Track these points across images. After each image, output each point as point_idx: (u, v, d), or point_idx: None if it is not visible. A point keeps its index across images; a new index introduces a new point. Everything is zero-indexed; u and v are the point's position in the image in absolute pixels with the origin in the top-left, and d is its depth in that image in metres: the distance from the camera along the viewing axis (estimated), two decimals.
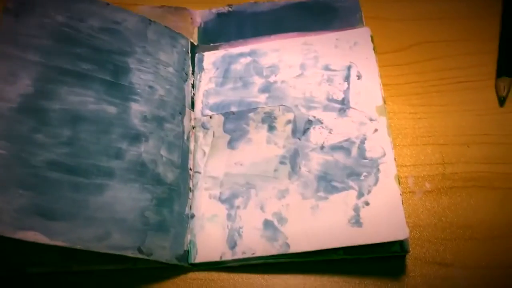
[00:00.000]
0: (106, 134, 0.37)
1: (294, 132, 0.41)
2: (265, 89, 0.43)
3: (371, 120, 0.40)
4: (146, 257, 0.35)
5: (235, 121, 0.42)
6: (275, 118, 0.42)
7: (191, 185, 0.40)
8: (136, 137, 0.39)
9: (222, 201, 0.39)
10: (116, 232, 0.35)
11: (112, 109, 0.39)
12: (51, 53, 0.37)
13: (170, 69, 0.44)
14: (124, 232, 0.35)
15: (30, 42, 0.37)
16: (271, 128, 0.41)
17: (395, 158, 0.38)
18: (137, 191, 0.37)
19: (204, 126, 0.43)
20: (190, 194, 0.40)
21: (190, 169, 0.41)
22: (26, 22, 0.37)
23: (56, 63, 0.37)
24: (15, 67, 0.35)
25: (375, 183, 0.38)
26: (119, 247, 0.35)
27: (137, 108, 0.40)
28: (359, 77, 0.42)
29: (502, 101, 0.44)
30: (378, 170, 0.38)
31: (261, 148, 0.41)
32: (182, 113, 0.43)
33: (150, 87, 0.42)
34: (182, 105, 0.43)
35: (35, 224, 0.32)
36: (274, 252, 0.36)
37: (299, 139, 0.41)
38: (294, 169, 0.39)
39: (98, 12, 0.41)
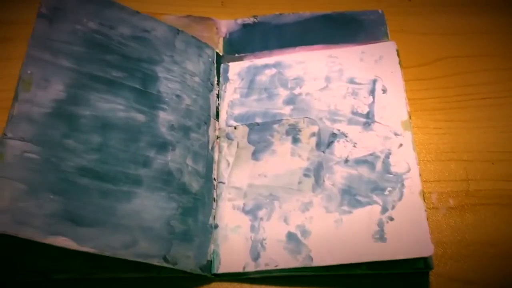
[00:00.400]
0: (134, 142, 0.38)
1: (318, 145, 0.41)
2: (290, 101, 0.44)
3: (396, 134, 0.40)
4: (171, 266, 0.36)
5: (260, 132, 0.42)
6: (300, 131, 0.42)
7: (215, 195, 0.41)
8: (163, 146, 0.39)
9: (245, 212, 0.39)
10: (142, 240, 0.35)
11: (140, 117, 0.39)
12: (82, 59, 0.38)
13: (196, 79, 0.44)
14: (150, 240, 0.35)
15: (62, 47, 0.37)
16: (296, 140, 0.42)
17: (420, 174, 0.38)
18: (164, 200, 0.37)
19: (228, 137, 0.43)
20: (214, 204, 0.40)
21: (214, 179, 0.41)
22: (59, 28, 0.38)
23: (87, 70, 0.38)
24: (48, 72, 0.36)
25: (400, 198, 0.38)
26: (146, 255, 0.35)
27: (164, 116, 0.40)
28: (384, 91, 0.43)
29: None
30: (403, 185, 0.38)
31: (285, 160, 0.41)
32: (207, 123, 0.43)
33: (177, 96, 0.42)
34: (208, 115, 0.44)
35: (64, 230, 0.32)
36: (297, 264, 0.37)
37: (323, 152, 0.41)
38: (318, 182, 0.39)
39: (128, 19, 0.42)
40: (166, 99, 0.41)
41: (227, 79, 0.46)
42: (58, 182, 0.33)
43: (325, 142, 0.41)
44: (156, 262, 0.35)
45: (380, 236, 0.36)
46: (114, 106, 0.38)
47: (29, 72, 0.35)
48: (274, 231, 0.38)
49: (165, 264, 0.36)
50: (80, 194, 0.34)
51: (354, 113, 0.42)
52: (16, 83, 0.34)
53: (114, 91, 0.39)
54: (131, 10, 0.42)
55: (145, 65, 0.41)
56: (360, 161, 0.40)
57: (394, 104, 0.42)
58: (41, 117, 0.34)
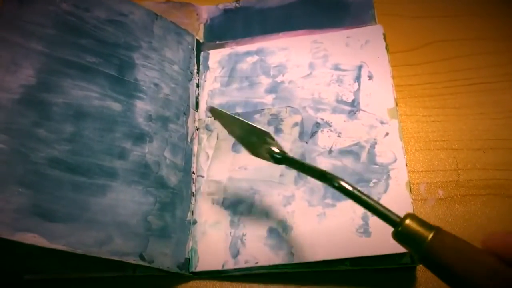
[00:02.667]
0: (110, 132, 0.36)
1: (301, 135, 0.39)
2: (272, 89, 0.42)
3: (382, 123, 0.39)
4: (147, 264, 0.34)
5: None
6: (282, 120, 0.40)
7: (193, 190, 0.39)
8: (140, 137, 0.37)
9: (225, 207, 0.38)
10: (117, 237, 0.33)
11: (116, 106, 0.37)
12: (55, 43, 0.35)
13: (175, 67, 0.42)
14: (126, 237, 0.34)
15: (33, 30, 0.35)
16: (278, 130, 0.40)
17: (406, 164, 0.37)
18: (140, 194, 0.36)
19: (208, 128, 0.41)
20: (193, 199, 0.39)
21: (193, 173, 0.40)
22: (30, 8, 0.35)
23: (60, 54, 0.35)
24: (17, 55, 0.33)
25: (385, 190, 0.36)
26: (121, 252, 0.33)
27: (142, 106, 0.39)
28: (370, 77, 0.41)
29: None
30: (389, 176, 0.36)
31: None
32: (186, 113, 0.41)
33: (156, 84, 0.40)
34: (187, 105, 0.42)
35: (34, 226, 0.30)
36: (278, 261, 0.35)
37: (306, 142, 0.39)
38: (300, 174, 0.38)
39: (104, 2, 0.40)
40: (144, 87, 0.39)
41: (207, 68, 0.44)
42: (27, 174, 0.31)
43: (308, 132, 0.39)
44: (132, 260, 0.34)
45: (365, 230, 0.35)
46: (88, 94, 0.36)
47: None
48: (254, 226, 0.37)
49: (141, 262, 0.34)
50: (51, 187, 0.32)
51: (339, 101, 0.40)
52: None
53: (89, 78, 0.36)
54: None
55: (121, 51, 0.39)
56: (344, 152, 0.38)
57: (380, 91, 0.40)
58: (9, 104, 0.32)
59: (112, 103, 0.37)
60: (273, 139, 0.33)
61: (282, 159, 0.32)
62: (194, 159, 0.40)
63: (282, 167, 0.38)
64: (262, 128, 0.33)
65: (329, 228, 0.35)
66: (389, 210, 0.26)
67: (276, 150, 0.32)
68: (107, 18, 0.39)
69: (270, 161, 0.33)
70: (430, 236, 0.24)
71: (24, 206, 0.30)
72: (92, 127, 0.35)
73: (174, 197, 0.37)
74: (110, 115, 0.36)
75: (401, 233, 0.25)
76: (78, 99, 0.35)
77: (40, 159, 0.32)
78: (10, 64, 0.33)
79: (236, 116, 0.35)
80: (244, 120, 0.34)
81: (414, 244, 0.25)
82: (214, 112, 0.36)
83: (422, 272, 0.36)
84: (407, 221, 0.25)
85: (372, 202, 0.27)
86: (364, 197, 0.27)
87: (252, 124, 0.33)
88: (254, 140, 0.33)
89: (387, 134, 0.38)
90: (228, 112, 0.35)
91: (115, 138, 0.36)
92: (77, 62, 0.36)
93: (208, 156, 0.40)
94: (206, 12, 0.48)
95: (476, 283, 0.23)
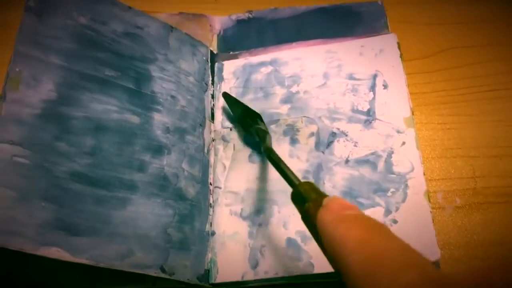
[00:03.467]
0: (129, 145, 0.36)
1: (317, 145, 0.39)
2: (287, 99, 0.42)
3: (398, 132, 0.39)
4: (168, 277, 0.34)
5: None
6: (298, 130, 0.40)
7: (211, 201, 0.39)
8: (158, 149, 0.38)
9: (243, 217, 0.38)
10: (138, 250, 0.34)
11: (135, 119, 0.37)
12: (73, 57, 0.36)
13: (191, 79, 0.43)
14: (146, 249, 0.34)
15: (52, 44, 0.35)
16: (294, 141, 0.40)
17: (424, 173, 0.37)
18: (160, 207, 0.36)
19: (224, 139, 0.42)
20: (211, 210, 0.39)
21: (210, 184, 0.40)
22: (48, 23, 0.35)
23: (79, 68, 0.36)
24: (37, 70, 0.34)
25: (403, 200, 0.36)
26: (142, 265, 0.33)
27: (159, 118, 0.39)
28: (385, 86, 0.41)
29: None
30: (407, 186, 0.36)
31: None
32: (202, 125, 0.42)
33: (172, 97, 0.40)
34: (203, 116, 0.42)
35: (58, 240, 0.30)
36: (298, 272, 0.35)
37: (323, 152, 0.39)
38: (318, 184, 0.38)
39: (120, 15, 0.40)
40: (161, 99, 0.40)
41: (221, 79, 0.45)
42: (50, 189, 0.31)
43: (324, 142, 0.39)
44: (153, 272, 0.34)
45: None
46: (107, 107, 0.36)
47: (17, 69, 0.33)
48: (273, 237, 0.37)
49: (162, 275, 0.34)
50: (73, 201, 0.32)
51: (354, 110, 0.40)
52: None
53: (107, 91, 0.37)
54: (123, 5, 0.40)
55: (138, 63, 0.40)
56: (361, 161, 0.38)
57: (396, 100, 0.40)
58: (30, 119, 0.32)
59: (131, 116, 0.37)
60: (262, 121, 0.40)
61: (260, 139, 0.37)
62: (211, 170, 0.41)
63: (299, 176, 0.38)
64: (255, 110, 0.40)
65: None
66: (293, 174, 0.30)
67: (262, 128, 0.39)
68: (124, 31, 0.40)
69: (256, 139, 0.38)
70: (312, 201, 0.26)
71: (47, 220, 0.30)
72: (112, 141, 0.35)
73: (192, 209, 0.38)
74: (129, 128, 0.37)
75: (295, 193, 0.28)
76: (97, 113, 0.36)
77: (62, 173, 0.32)
78: (31, 79, 0.33)
79: (239, 100, 0.41)
80: (243, 103, 0.41)
81: (300, 204, 0.27)
82: (226, 96, 0.42)
83: None
84: (303, 185, 0.28)
85: (283, 167, 0.31)
86: (280, 164, 0.32)
87: (247, 105, 0.40)
88: (248, 120, 0.40)
89: (403, 143, 0.38)
90: (235, 97, 0.42)
91: (134, 151, 0.36)
92: (96, 75, 0.37)
93: (225, 167, 0.40)
94: (219, 23, 0.48)
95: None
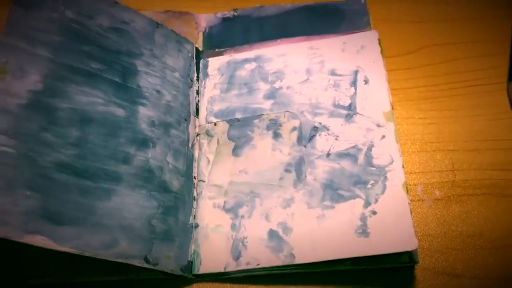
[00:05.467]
0: (114, 137, 0.37)
1: (299, 139, 0.40)
2: (270, 95, 0.43)
3: (378, 126, 0.39)
4: (152, 267, 0.35)
5: (240, 128, 0.42)
6: (280, 125, 0.41)
7: (195, 194, 0.40)
8: (143, 142, 0.38)
9: (226, 210, 0.39)
10: (123, 240, 0.34)
11: (120, 112, 0.38)
12: (60, 49, 0.36)
13: (176, 74, 0.43)
14: (131, 240, 0.35)
15: (39, 36, 0.36)
16: (276, 135, 0.41)
17: (403, 166, 0.37)
18: (144, 198, 0.36)
19: (208, 133, 0.42)
20: (194, 203, 0.40)
21: (194, 177, 0.41)
22: (35, 15, 0.36)
23: (65, 60, 0.36)
24: (24, 61, 0.34)
25: (383, 192, 0.37)
26: (126, 255, 0.34)
27: (144, 112, 0.39)
28: (366, 81, 0.42)
29: None
30: (386, 178, 0.37)
31: (266, 155, 0.40)
32: (187, 119, 0.42)
33: (158, 91, 0.41)
34: (187, 111, 0.43)
35: (42, 228, 0.31)
36: (279, 263, 0.36)
37: (305, 146, 0.40)
38: (299, 177, 0.39)
39: (107, 10, 0.41)
40: (146, 94, 0.40)
41: (206, 75, 0.45)
42: (35, 178, 0.32)
43: (306, 136, 0.40)
44: (137, 262, 0.34)
45: (363, 231, 0.35)
46: (93, 100, 0.37)
47: (4, 60, 0.33)
48: (255, 229, 0.37)
49: (146, 265, 0.35)
50: (58, 191, 0.33)
51: (336, 105, 0.41)
52: None
53: (93, 84, 0.37)
54: (109, 0, 0.41)
55: (124, 58, 0.40)
56: (342, 155, 0.39)
57: (376, 94, 0.41)
58: (16, 109, 0.33)
59: (116, 109, 0.38)
60: None
61: None
62: (195, 164, 0.41)
63: (281, 170, 0.39)
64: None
65: (328, 229, 0.36)
66: None
67: None
68: (110, 25, 0.40)
69: None
70: None
71: (32, 209, 0.31)
72: (97, 132, 0.36)
73: (176, 201, 0.38)
74: (114, 121, 0.37)
75: None
76: (83, 105, 0.36)
77: (47, 163, 0.33)
78: (17, 70, 0.34)
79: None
80: None
81: None
82: None
83: (421, 271, 0.37)
84: None
85: None
86: None
87: None
88: None
89: (383, 136, 0.39)
90: None
91: (119, 143, 0.37)
92: (82, 68, 0.37)
93: (209, 161, 0.41)
94: (204, 20, 0.49)
95: None
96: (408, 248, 0.34)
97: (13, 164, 0.31)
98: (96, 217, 0.34)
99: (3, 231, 0.29)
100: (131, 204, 0.36)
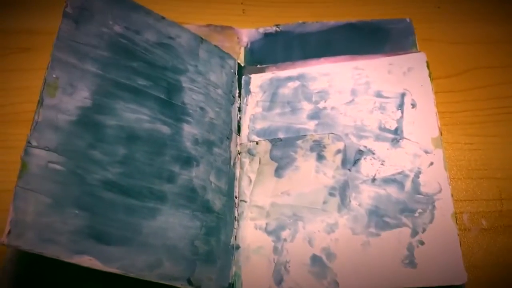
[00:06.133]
0: (159, 155, 0.36)
1: (344, 162, 0.39)
2: (314, 115, 0.42)
3: (426, 152, 0.39)
4: None
5: (283, 148, 0.41)
6: (325, 147, 0.40)
7: (236, 214, 0.40)
8: (187, 161, 0.38)
9: (268, 232, 0.38)
10: (167, 261, 0.34)
11: (165, 129, 0.38)
12: (108, 65, 0.36)
13: (219, 91, 0.43)
14: (175, 260, 0.34)
15: (88, 51, 0.35)
16: (320, 157, 0.40)
17: (452, 195, 0.37)
18: (188, 218, 0.36)
19: (250, 152, 0.42)
20: (236, 223, 0.39)
21: (236, 197, 0.40)
22: (85, 30, 0.36)
23: (113, 76, 0.36)
24: (73, 77, 0.34)
25: (431, 221, 0.36)
26: (170, 276, 0.33)
27: (189, 130, 0.39)
28: (413, 105, 0.41)
29: None
30: (434, 207, 0.36)
31: (309, 178, 0.39)
32: (229, 137, 0.42)
33: (201, 108, 0.41)
34: (230, 129, 0.42)
35: (90, 248, 0.31)
36: None
37: (349, 170, 0.39)
38: (343, 201, 0.38)
39: (154, 25, 0.40)
40: (191, 111, 0.40)
41: (248, 92, 0.45)
42: (83, 196, 0.32)
43: (351, 159, 0.40)
44: (180, 284, 0.34)
45: (410, 261, 0.35)
46: (140, 117, 0.37)
47: (54, 76, 0.33)
48: (298, 253, 0.37)
49: (188, 287, 0.34)
50: (105, 209, 0.32)
51: (382, 128, 0.40)
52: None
53: (139, 101, 0.37)
54: (157, 15, 0.41)
55: (170, 74, 0.40)
56: (388, 180, 0.38)
57: (424, 119, 0.40)
58: (66, 125, 0.33)
59: (162, 126, 0.38)
60: None
61: None
62: (236, 183, 0.41)
63: (325, 193, 0.38)
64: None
65: (373, 258, 0.35)
66: None
67: None
68: (157, 41, 0.40)
69: None
70: None
71: (80, 228, 0.31)
72: (143, 150, 0.36)
73: (219, 222, 0.38)
74: (160, 138, 0.37)
75: None
76: (130, 122, 0.36)
77: (95, 181, 0.33)
78: (67, 86, 0.34)
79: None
80: None
81: None
82: None
83: None
84: None
85: None
86: None
87: None
88: None
89: (431, 163, 0.38)
90: None
91: (165, 162, 0.37)
92: (129, 84, 0.37)
93: (250, 181, 0.40)
94: (246, 35, 0.49)
95: None
96: (458, 282, 0.33)
97: (62, 181, 0.31)
98: (142, 237, 0.33)
99: (54, 251, 0.29)
100: (175, 224, 0.35)
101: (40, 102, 0.32)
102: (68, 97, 0.34)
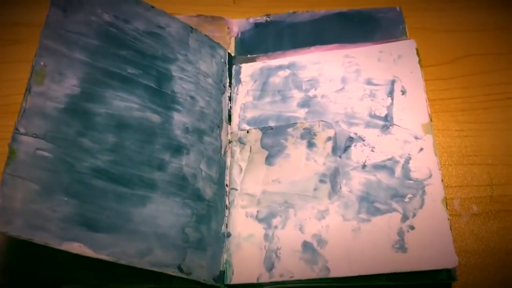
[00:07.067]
0: (149, 143, 0.36)
1: (334, 149, 0.39)
2: (305, 103, 0.42)
3: (416, 138, 0.39)
4: (185, 276, 0.34)
5: (273, 136, 0.41)
6: (315, 135, 0.40)
7: (227, 202, 0.39)
8: (178, 149, 0.38)
9: (259, 220, 0.38)
10: (158, 248, 0.34)
11: (156, 118, 0.38)
12: (97, 53, 0.36)
13: (210, 80, 0.43)
14: (165, 248, 0.34)
15: (77, 39, 0.35)
16: (311, 144, 0.40)
17: (442, 180, 0.37)
18: (178, 206, 0.36)
19: (241, 141, 0.42)
20: (227, 211, 0.39)
21: (227, 186, 0.40)
22: (73, 18, 0.36)
23: (102, 64, 0.36)
24: (62, 65, 0.34)
25: (421, 206, 0.36)
26: (161, 264, 0.33)
27: (179, 118, 0.39)
28: (403, 92, 0.41)
29: None
30: (424, 192, 0.36)
31: (300, 165, 0.39)
32: (220, 126, 0.42)
33: (192, 97, 0.41)
34: (220, 118, 0.42)
35: (80, 235, 0.30)
36: (313, 276, 0.35)
37: (340, 157, 0.39)
38: (334, 188, 0.38)
39: (143, 14, 0.40)
40: (181, 99, 0.40)
41: (239, 81, 0.45)
42: (72, 184, 0.32)
43: (341, 146, 0.40)
44: (171, 271, 0.34)
45: (401, 246, 0.35)
46: (129, 105, 0.36)
47: (42, 63, 0.33)
48: (289, 240, 0.37)
49: (180, 274, 0.34)
50: (95, 197, 0.32)
51: (372, 115, 0.40)
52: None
53: (129, 89, 0.37)
54: (146, 4, 0.41)
55: (159, 62, 0.40)
56: (378, 166, 0.38)
57: (414, 106, 0.40)
58: (54, 113, 0.33)
59: (152, 115, 0.38)
60: None
61: None
62: (227, 172, 0.41)
63: (316, 180, 0.38)
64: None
65: (364, 243, 0.35)
66: None
67: None
68: (146, 30, 0.40)
69: None
70: None
71: (70, 215, 0.31)
72: (133, 138, 0.36)
73: (209, 210, 0.38)
74: (150, 127, 0.37)
75: None
76: (120, 110, 0.36)
77: (84, 169, 0.33)
78: (55, 73, 0.34)
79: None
80: None
81: None
82: None
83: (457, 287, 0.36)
84: None
85: None
86: None
87: None
88: None
89: (421, 149, 0.38)
90: None
91: (155, 150, 0.37)
92: (118, 73, 0.37)
93: (241, 169, 0.40)
94: (237, 26, 0.49)
95: None
96: (448, 265, 0.33)
97: (50, 168, 0.31)
98: (132, 225, 0.33)
99: (43, 238, 0.29)
100: (165, 211, 0.35)
101: (28, 90, 0.32)
102: (57, 84, 0.34)
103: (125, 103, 0.36)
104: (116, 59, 0.37)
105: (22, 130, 0.31)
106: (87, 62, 0.36)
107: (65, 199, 0.31)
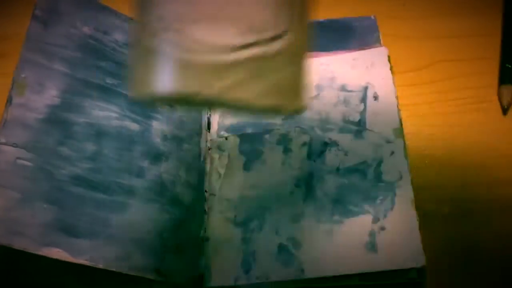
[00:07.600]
0: (128, 151, 0.38)
1: (309, 154, 0.41)
2: None
3: (388, 142, 0.40)
4: (163, 280, 0.35)
5: (251, 143, 0.42)
6: (291, 140, 0.42)
7: (206, 208, 0.41)
8: (156, 156, 0.39)
9: (236, 224, 0.39)
10: (136, 253, 0.35)
11: (134, 126, 0.39)
12: (77, 65, 0.38)
13: None
14: (144, 253, 0.35)
15: (57, 51, 0.37)
16: (287, 150, 0.41)
17: (412, 181, 0.38)
18: (157, 212, 0.37)
19: (219, 148, 0.43)
20: (205, 216, 0.40)
21: (206, 191, 0.41)
22: (53, 31, 0.37)
23: (82, 75, 0.38)
24: (42, 76, 0.35)
25: (391, 207, 0.37)
26: (139, 268, 0.35)
27: (158, 126, 0.40)
28: (376, 98, 0.42)
29: (505, 110, 0.44)
30: (395, 194, 0.38)
31: (276, 170, 0.41)
32: (199, 133, 0.43)
33: (170, 106, 0.42)
34: (199, 125, 0.44)
35: (59, 241, 0.32)
36: (288, 277, 0.36)
37: (315, 161, 0.40)
38: (309, 192, 0.39)
39: (121, 26, 0.42)
40: (159, 108, 0.41)
41: None
42: (52, 191, 0.33)
43: (316, 151, 0.41)
44: (149, 275, 0.35)
45: (372, 246, 0.36)
46: (108, 114, 0.38)
47: (23, 75, 0.35)
48: (265, 243, 0.38)
49: (158, 278, 0.35)
50: (74, 204, 0.33)
51: (346, 121, 0.42)
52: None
53: (108, 99, 0.38)
54: (124, 16, 0.42)
55: None
56: (351, 170, 0.39)
57: (386, 111, 0.41)
58: (35, 123, 0.34)
59: (130, 123, 0.39)
60: None
61: None
62: (206, 178, 0.42)
63: (291, 184, 0.40)
64: None
65: (337, 244, 0.36)
66: None
67: None
68: (125, 41, 0.41)
69: None
70: None
71: (49, 221, 0.32)
72: (112, 146, 0.37)
73: (188, 215, 0.39)
74: (129, 135, 0.38)
75: None
76: (99, 119, 0.37)
77: (64, 177, 0.34)
78: (36, 84, 0.35)
79: None
80: None
81: None
82: None
83: (430, 287, 0.37)
84: None
85: None
86: None
87: None
88: None
89: (392, 152, 0.39)
90: None
91: (133, 157, 0.38)
92: (97, 83, 0.38)
93: (220, 175, 0.42)
94: None
95: None
96: (416, 264, 0.34)
97: (30, 177, 0.32)
98: (111, 230, 0.34)
99: (21, 244, 0.30)
100: (144, 217, 0.36)
101: (9, 101, 0.34)
102: (37, 95, 0.35)
103: (104, 113, 0.38)
104: (96, 70, 0.39)
105: (2, 140, 0.32)
106: (67, 73, 0.37)
107: (45, 206, 0.32)
